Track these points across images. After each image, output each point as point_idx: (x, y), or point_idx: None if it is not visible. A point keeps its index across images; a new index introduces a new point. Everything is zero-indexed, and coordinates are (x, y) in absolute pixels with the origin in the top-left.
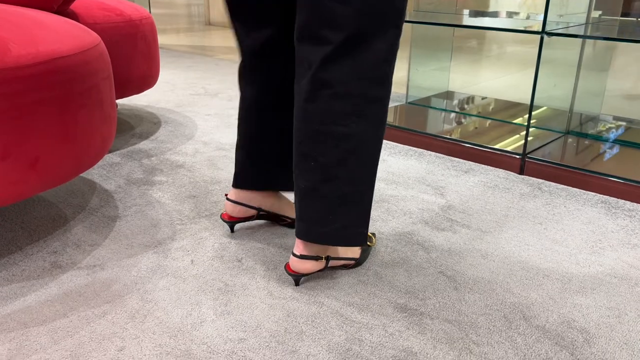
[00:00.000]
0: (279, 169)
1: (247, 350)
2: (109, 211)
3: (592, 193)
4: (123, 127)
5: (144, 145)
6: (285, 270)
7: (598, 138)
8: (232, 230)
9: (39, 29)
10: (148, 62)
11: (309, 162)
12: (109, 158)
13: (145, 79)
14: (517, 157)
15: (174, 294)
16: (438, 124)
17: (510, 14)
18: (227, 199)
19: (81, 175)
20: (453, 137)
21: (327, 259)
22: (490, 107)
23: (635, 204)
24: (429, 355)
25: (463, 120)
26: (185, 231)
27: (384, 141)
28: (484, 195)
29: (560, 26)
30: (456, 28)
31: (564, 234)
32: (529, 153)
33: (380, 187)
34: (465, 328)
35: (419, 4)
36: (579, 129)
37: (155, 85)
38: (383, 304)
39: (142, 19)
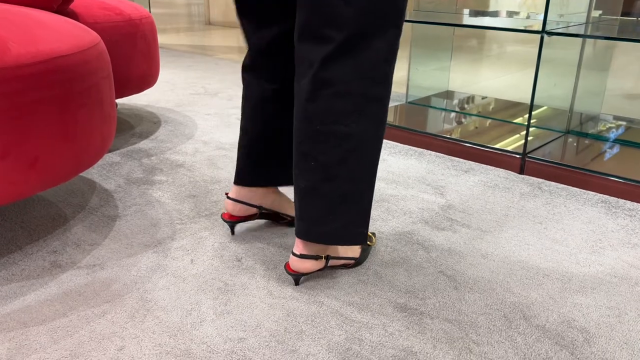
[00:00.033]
0: (279, 168)
1: (247, 350)
2: (109, 210)
3: (592, 193)
4: (123, 127)
5: (143, 144)
6: (285, 269)
7: (598, 138)
8: (232, 232)
9: (38, 28)
10: (148, 61)
11: (309, 162)
12: (108, 157)
13: (145, 79)
14: (517, 156)
15: (173, 294)
16: (438, 123)
17: (510, 14)
18: (228, 197)
19: (81, 174)
20: (453, 136)
21: (327, 258)
22: (491, 107)
23: (635, 203)
24: (428, 355)
25: (463, 119)
26: (185, 231)
27: (384, 141)
28: (484, 195)
29: (560, 26)
30: (456, 28)
31: (564, 234)
32: (529, 153)
33: (380, 186)
34: (465, 327)
35: (419, 3)
36: (579, 129)
37: (155, 85)
38: (383, 303)
39: (142, 19)
